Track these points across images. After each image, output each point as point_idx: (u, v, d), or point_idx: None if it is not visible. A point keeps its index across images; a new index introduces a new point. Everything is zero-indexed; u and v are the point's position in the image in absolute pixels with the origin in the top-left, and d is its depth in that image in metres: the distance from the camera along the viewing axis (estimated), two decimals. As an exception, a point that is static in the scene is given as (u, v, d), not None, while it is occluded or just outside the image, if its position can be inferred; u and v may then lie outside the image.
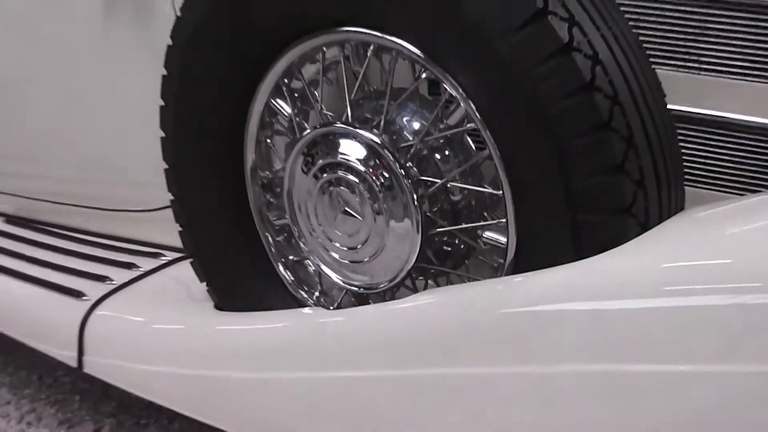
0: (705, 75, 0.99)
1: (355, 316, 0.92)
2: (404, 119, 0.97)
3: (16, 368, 1.58)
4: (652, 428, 0.72)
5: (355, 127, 0.95)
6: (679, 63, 1.01)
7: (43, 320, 1.22)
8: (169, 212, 1.12)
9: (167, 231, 1.19)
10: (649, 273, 0.75)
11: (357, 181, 0.94)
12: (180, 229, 1.12)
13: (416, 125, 0.96)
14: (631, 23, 0.93)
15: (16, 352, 1.54)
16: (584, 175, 0.83)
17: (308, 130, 0.99)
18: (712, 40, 0.98)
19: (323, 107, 1.00)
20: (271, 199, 1.09)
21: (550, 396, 0.77)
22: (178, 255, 1.31)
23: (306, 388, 0.93)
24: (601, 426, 0.75)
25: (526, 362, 0.78)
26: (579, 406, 0.76)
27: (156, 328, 1.11)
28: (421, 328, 0.85)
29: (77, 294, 1.21)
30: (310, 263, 1.08)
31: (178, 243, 1.14)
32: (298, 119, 1.02)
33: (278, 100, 1.02)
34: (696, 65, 1.01)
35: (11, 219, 1.50)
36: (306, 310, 1.03)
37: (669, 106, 0.91)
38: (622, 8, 0.91)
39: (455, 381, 0.82)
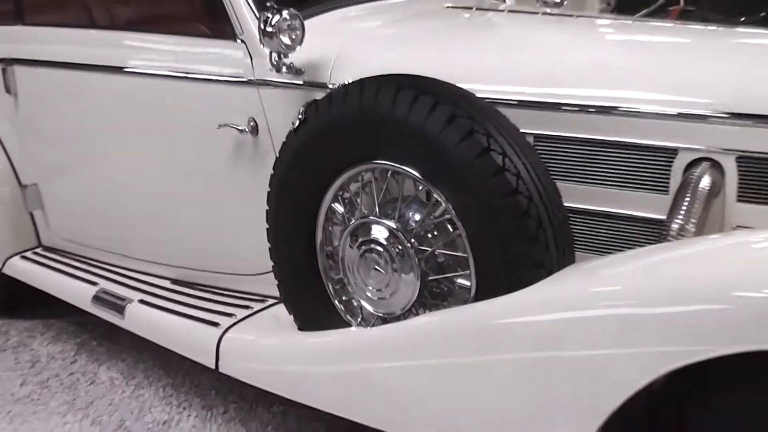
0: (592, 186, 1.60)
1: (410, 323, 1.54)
2: (410, 213, 1.62)
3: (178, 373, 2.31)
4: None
5: (381, 219, 1.61)
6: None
7: (197, 340, 1.91)
8: (271, 275, 1.81)
9: (269, 286, 1.87)
10: (555, 296, 1.35)
11: (382, 250, 1.60)
12: (277, 283, 1.80)
13: (417, 216, 1.61)
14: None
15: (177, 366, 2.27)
16: (514, 245, 1.45)
17: (354, 221, 1.66)
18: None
19: (362, 207, 1.67)
20: (332, 263, 1.75)
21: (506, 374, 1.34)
22: (275, 300, 1.99)
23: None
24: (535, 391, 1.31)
25: (490, 353, 1.38)
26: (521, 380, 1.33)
27: (264, 343, 1.79)
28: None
29: (215, 324, 1.91)
30: (355, 301, 1.74)
31: (275, 292, 1.83)
32: (347, 215, 1.68)
33: (336, 204, 1.69)
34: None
35: (175, 281, 2.23)
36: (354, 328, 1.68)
37: (564, 203, 1.53)
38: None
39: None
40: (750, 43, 1.81)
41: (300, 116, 1.64)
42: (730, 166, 1.48)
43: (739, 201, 1.50)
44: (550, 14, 2.20)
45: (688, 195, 1.44)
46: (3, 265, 2.55)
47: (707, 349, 1.12)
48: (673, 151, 1.52)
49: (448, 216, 1.54)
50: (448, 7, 2.20)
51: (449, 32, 1.99)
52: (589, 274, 1.41)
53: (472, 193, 1.47)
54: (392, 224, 1.59)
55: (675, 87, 1.56)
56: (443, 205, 1.53)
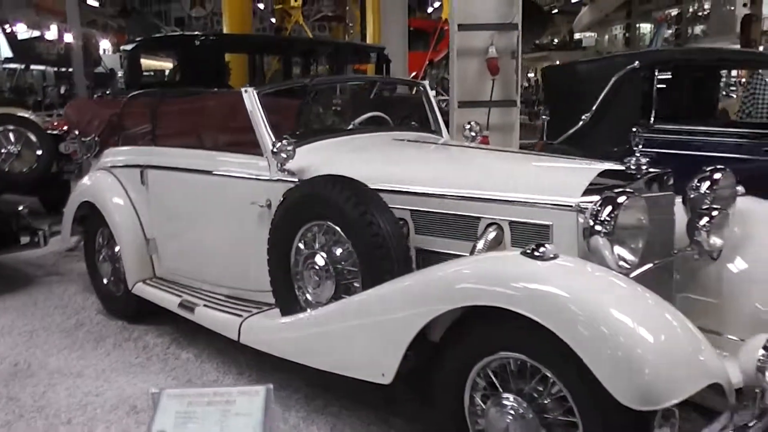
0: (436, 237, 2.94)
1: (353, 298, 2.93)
2: (334, 249, 3.01)
3: (226, 355, 3.75)
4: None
5: (318, 252, 3.01)
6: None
7: (230, 325, 3.33)
8: (270, 292, 3.24)
9: (269, 298, 3.30)
10: (377, 292, 2.67)
11: (318, 269, 2.99)
12: (272, 291, 3.23)
13: (337, 251, 3.00)
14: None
15: (225, 351, 3.71)
16: (375, 262, 2.81)
17: (306, 253, 3.07)
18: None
19: (314, 245, 3.08)
20: (297, 277, 3.12)
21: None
22: (270, 307, 3.39)
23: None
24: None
25: (354, 319, 2.71)
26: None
27: (262, 324, 3.21)
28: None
29: (240, 315, 3.34)
30: (308, 296, 3.10)
31: (271, 301, 3.26)
32: (305, 250, 3.09)
33: (300, 244, 3.09)
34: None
35: (226, 296, 3.71)
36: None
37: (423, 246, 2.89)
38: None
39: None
40: (542, 165, 3.15)
41: (282, 197, 3.11)
42: (506, 227, 2.78)
43: (512, 245, 2.78)
44: (454, 146, 3.61)
45: (481, 242, 2.74)
46: (132, 287, 4.14)
47: (436, 308, 2.39)
48: (477, 218, 2.84)
49: (349, 248, 2.91)
50: (394, 139, 3.66)
51: (378, 153, 3.43)
52: (399, 280, 2.66)
53: (360, 237, 2.84)
54: (324, 254, 2.98)
55: (480, 184, 2.88)
56: (348, 243, 2.91)
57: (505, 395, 2.32)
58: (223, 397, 2.02)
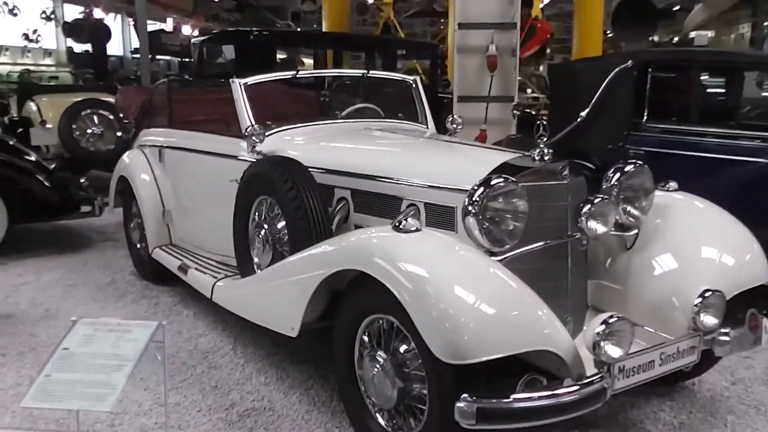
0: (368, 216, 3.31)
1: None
2: (276, 222, 3.44)
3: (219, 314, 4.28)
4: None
5: (262, 224, 3.46)
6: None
7: (206, 284, 3.85)
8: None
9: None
10: (294, 258, 3.09)
11: (262, 236, 3.44)
12: (236, 261, 3.70)
13: (279, 224, 3.43)
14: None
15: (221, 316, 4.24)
16: (298, 231, 3.22)
17: (257, 223, 3.52)
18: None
19: (263, 216, 3.52)
20: (254, 244, 3.60)
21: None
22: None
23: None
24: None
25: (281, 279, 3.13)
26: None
27: (226, 284, 3.69)
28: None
29: (214, 277, 3.84)
30: (257, 258, 3.56)
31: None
32: (258, 220, 3.54)
33: (255, 214, 3.55)
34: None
35: (218, 262, 4.24)
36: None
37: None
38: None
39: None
40: (466, 155, 3.44)
41: (242, 174, 3.57)
42: (422, 208, 3.11)
43: (427, 226, 3.10)
44: (414, 137, 3.93)
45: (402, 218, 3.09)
46: (152, 252, 4.75)
47: (332, 268, 2.77)
48: (400, 199, 3.19)
49: (282, 219, 3.32)
50: (366, 128, 4.02)
51: (341, 140, 3.82)
52: (309, 248, 3.03)
53: (287, 210, 3.24)
54: (266, 225, 3.42)
55: (405, 170, 3.21)
56: (281, 215, 3.32)
57: (379, 351, 2.67)
58: (123, 327, 2.51)
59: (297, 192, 3.19)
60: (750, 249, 3.08)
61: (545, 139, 2.94)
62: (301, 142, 3.79)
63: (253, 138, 3.64)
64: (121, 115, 5.35)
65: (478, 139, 5.20)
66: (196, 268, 4.13)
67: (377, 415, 2.76)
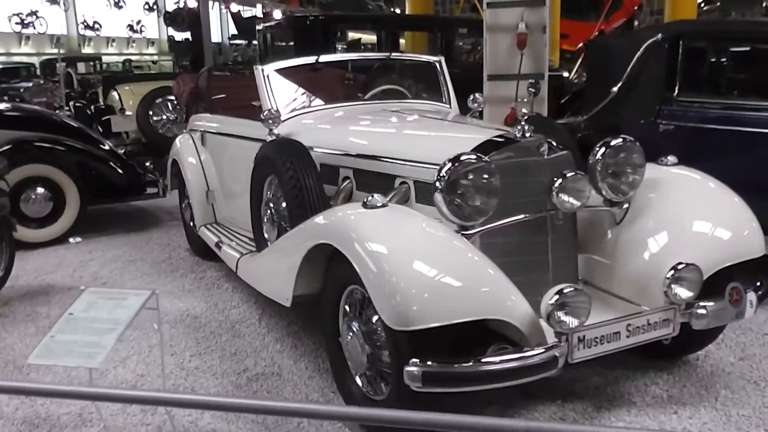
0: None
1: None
2: (280, 199, 3.67)
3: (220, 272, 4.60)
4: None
5: (270, 203, 3.70)
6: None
7: (233, 259, 4.14)
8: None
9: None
10: (295, 231, 3.31)
11: (270, 215, 3.68)
12: (254, 237, 3.97)
13: (283, 203, 3.66)
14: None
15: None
16: (294, 208, 3.44)
17: (268, 201, 3.76)
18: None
19: (273, 194, 3.76)
20: (266, 219, 3.85)
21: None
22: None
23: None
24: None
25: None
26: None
27: (247, 257, 3.97)
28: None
29: (241, 253, 4.13)
30: (267, 234, 3.81)
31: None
32: (269, 198, 3.79)
33: (268, 192, 3.80)
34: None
35: (249, 238, 4.54)
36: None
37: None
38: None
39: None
40: (458, 134, 3.54)
41: (256, 156, 3.82)
42: (412, 185, 3.25)
43: (416, 202, 3.25)
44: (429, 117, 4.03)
45: (394, 194, 3.25)
46: (198, 230, 5.11)
47: (311, 242, 2.98)
48: (394, 177, 3.34)
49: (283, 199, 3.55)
50: (383, 110, 4.17)
51: (353, 122, 3.98)
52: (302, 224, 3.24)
53: (286, 188, 3.44)
54: (272, 204, 3.66)
55: (399, 149, 3.37)
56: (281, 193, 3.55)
57: (355, 320, 2.85)
58: (122, 295, 2.81)
59: (294, 172, 3.40)
60: (744, 222, 3.03)
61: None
62: (314, 125, 3.99)
63: (270, 121, 3.88)
64: (175, 102, 5.73)
65: (508, 117, 5.23)
66: (229, 245, 4.43)
67: (357, 378, 2.94)
